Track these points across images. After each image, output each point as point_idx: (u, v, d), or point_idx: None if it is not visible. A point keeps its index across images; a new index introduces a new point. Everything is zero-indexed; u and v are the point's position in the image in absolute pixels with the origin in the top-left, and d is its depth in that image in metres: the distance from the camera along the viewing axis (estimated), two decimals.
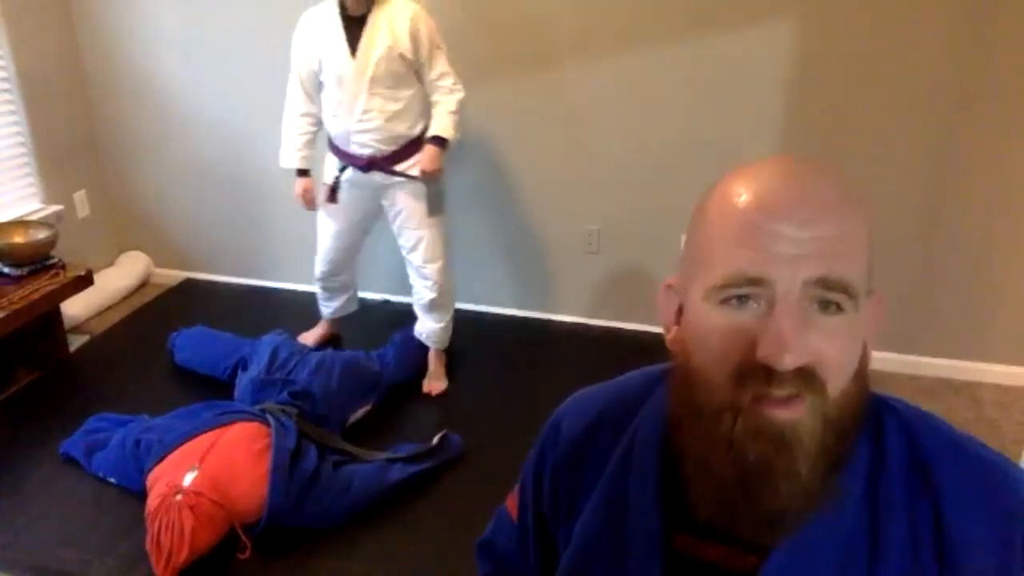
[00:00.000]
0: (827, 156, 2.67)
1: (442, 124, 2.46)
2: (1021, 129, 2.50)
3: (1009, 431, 2.54)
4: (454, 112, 2.47)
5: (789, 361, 0.57)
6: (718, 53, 2.67)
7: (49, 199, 3.23)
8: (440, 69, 2.46)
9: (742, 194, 0.62)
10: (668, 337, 0.71)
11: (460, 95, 2.49)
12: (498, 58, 2.89)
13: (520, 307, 3.27)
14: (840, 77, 2.60)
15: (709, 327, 0.62)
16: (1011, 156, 2.54)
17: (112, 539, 2.05)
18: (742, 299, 0.60)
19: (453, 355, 2.93)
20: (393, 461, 2.26)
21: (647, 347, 2.98)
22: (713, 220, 0.64)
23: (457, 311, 3.28)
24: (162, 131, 3.37)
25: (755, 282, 0.59)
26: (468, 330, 3.15)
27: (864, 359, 0.65)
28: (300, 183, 2.65)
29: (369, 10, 2.37)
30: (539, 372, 2.86)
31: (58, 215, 3.20)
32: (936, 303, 2.76)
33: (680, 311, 0.69)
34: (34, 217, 3.07)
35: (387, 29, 2.36)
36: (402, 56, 2.37)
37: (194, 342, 2.85)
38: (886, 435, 0.67)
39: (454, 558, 1.97)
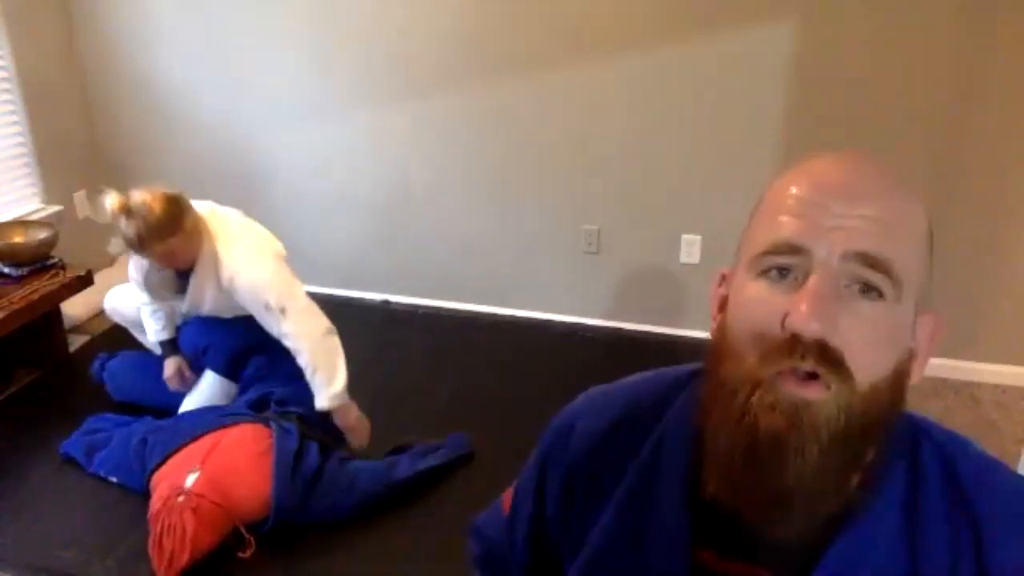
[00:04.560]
0: None
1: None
2: (1021, 129, 2.50)
3: (1009, 431, 2.54)
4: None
5: (814, 329, 0.56)
6: (719, 54, 2.67)
7: (49, 199, 3.23)
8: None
9: (795, 178, 0.63)
10: (712, 327, 0.69)
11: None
12: (499, 58, 2.90)
13: (520, 307, 3.27)
14: (840, 77, 2.60)
15: (746, 298, 0.62)
16: (1011, 156, 2.54)
17: (112, 539, 2.05)
18: (782, 271, 0.60)
19: (453, 356, 2.93)
20: (399, 451, 2.27)
21: (647, 347, 2.99)
22: (765, 205, 0.64)
23: (457, 311, 3.29)
24: (162, 131, 3.37)
25: (795, 250, 0.59)
26: (468, 331, 3.16)
27: (905, 369, 0.62)
28: (169, 363, 2.43)
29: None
30: (539, 373, 2.85)
31: (58, 215, 3.20)
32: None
33: (726, 301, 0.68)
34: (34, 217, 3.07)
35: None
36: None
37: (129, 372, 2.62)
38: (922, 462, 0.64)
39: (456, 559, 1.95)
